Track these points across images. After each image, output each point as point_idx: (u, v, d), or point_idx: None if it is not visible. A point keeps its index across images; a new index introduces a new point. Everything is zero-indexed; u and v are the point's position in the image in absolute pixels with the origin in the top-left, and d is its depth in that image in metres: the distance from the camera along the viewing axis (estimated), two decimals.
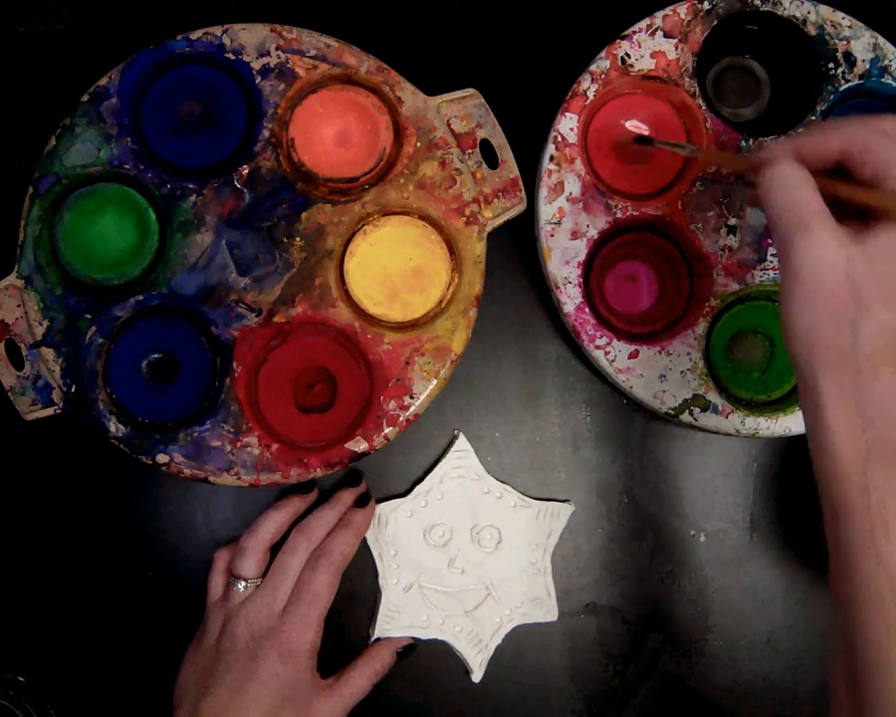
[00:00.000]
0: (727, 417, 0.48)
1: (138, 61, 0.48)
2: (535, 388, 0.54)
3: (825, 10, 0.49)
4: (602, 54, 0.49)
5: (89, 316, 0.47)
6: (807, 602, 0.54)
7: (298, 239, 0.48)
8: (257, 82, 0.49)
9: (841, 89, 0.49)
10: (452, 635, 0.51)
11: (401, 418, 0.48)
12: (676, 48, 0.49)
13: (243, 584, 0.48)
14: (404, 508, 0.52)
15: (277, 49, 0.49)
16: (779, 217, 0.35)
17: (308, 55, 0.49)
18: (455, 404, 0.53)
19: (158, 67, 0.49)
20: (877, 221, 0.34)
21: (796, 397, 0.49)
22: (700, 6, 0.49)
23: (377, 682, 0.49)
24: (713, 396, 0.48)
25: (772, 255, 0.49)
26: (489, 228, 0.49)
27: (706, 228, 0.49)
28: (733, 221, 0.49)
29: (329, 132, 0.49)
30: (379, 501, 0.52)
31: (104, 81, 0.48)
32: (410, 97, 0.49)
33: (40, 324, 0.47)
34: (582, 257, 0.49)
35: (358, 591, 0.52)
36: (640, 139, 0.49)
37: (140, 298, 0.48)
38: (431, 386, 0.48)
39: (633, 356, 0.49)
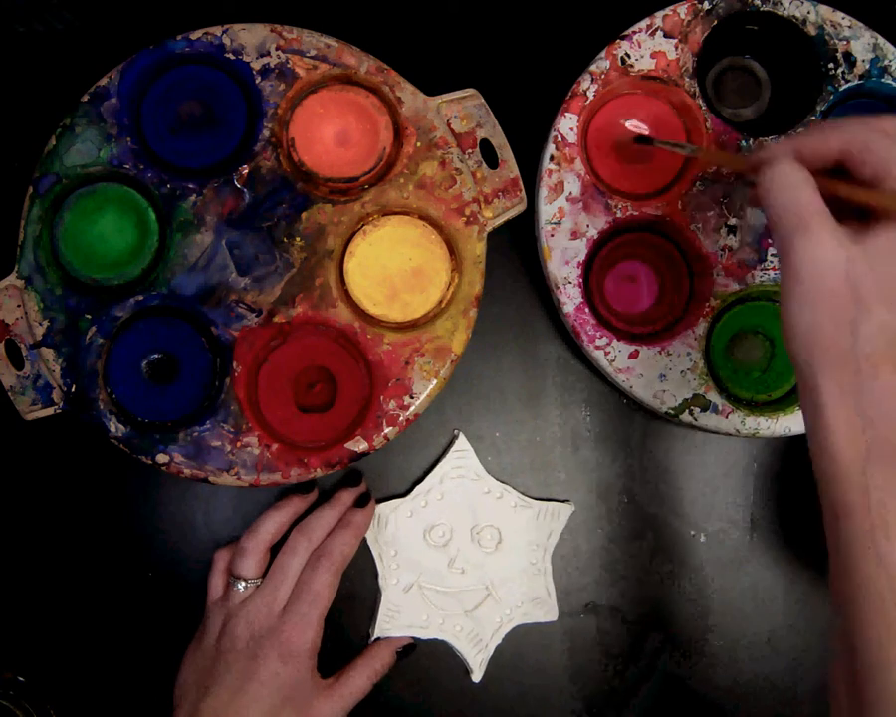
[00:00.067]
0: (727, 417, 0.48)
1: (138, 61, 0.48)
2: (535, 388, 0.54)
3: (825, 10, 0.49)
4: (602, 54, 0.49)
5: (89, 316, 0.47)
6: (807, 602, 0.54)
7: (298, 239, 0.48)
8: (257, 82, 0.49)
9: (841, 89, 0.49)
10: (452, 635, 0.51)
11: (401, 418, 0.48)
12: (676, 48, 0.49)
13: (243, 583, 0.48)
14: (404, 508, 0.52)
15: (277, 49, 0.49)
16: (779, 217, 0.35)
17: (308, 55, 0.49)
18: (455, 404, 0.53)
19: (158, 67, 0.49)
20: (877, 221, 0.34)
21: (796, 397, 0.49)
22: (700, 6, 0.49)
23: (377, 682, 0.49)
24: (713, 396, 0.48)
25: (772, 255, 0.49)
26: (489, 228, 0.49)
27: (706, 228, 0.49)
28: (733, 221, 0.49)
29: (329, 132, 0.49)
30: (379, 501, 0.52)
31: (104, 81, 0.48)
32: (410, 97, 0.49)
33: (40, 324, 0.47)
34: (582, 257, 0.49)
35: (358, 591, 0.52)
36: (640, 139, 0.49)
37: (140, 298, 0.48)
38: (431, 386, 0.48)
39: (633, 356, 0.49)
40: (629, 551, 0.54)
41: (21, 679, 0.51)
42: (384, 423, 0.48)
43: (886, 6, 0.54)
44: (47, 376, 0.47)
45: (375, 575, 0.52)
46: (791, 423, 0.48)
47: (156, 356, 0.48)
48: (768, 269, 0.49)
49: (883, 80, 0.49)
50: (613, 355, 0.48)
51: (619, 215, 0.49)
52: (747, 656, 0.54)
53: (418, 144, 0.49)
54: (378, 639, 0.51)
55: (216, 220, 0.48)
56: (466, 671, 0.52)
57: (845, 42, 0.49)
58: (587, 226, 0.49)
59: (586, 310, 0.49)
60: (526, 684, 0.53)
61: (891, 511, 0.33)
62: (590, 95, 0.49)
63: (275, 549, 0.49)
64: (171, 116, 0.48)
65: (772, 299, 0.49)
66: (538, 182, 0.49)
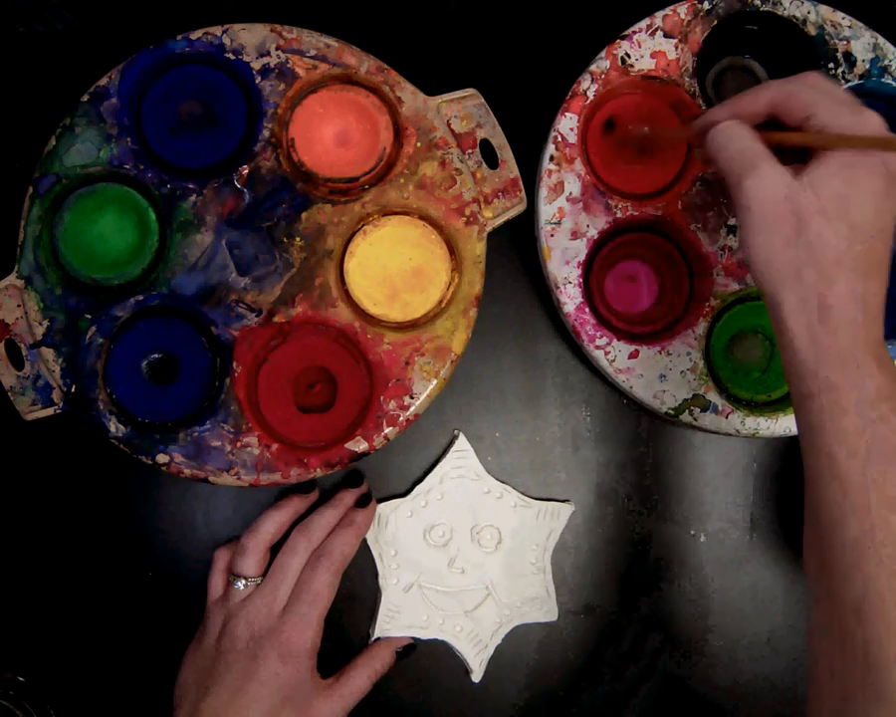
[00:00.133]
0: (727, 417, 0.48)
1: (138, 61, 0.48)
2: (535, 388, 0.54)
3: (825, 10, 0.49)
4: (602, 54, 0.49)
5: (89, 316, 0.47)
6: (807, 603, 0.54)
7: (298, 239, 0.48)
8: (257, 82, 0.49)
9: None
10: (452, 635, 0.51)
11: (401, 418, 0.48)
12: (676, 48, 0.49)
13: (243, 582, 0.48)
14: (404, 508, 0.52)
15: (277, 49, 0.49)
16: (729, 165, 0.39)
17: (308, 55, 0.49)
18: (455, 404, 0.53)
19: (158, 67, 0.49)
20: (812, 158, 0.38)
21: None
22: (700, 6, 0.49)
23: (377, 682, 0.49)
24: (713, 396, 0.48)
25: None
26: (489, 228, 0.49)
27: (706, 228, 0.49)
28: (733, 221, 0.49)
29: (329, 132, 0.49)
30: (379, 501, 0.52)
31: (104, 81, 0.48)
32: (410, 97, 0.49)
33: (40, 324, 0.47)
34: (582, 257, 0.49)
35: (358, 591, 0.52)
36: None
37: (140, 298, 0.48)
38: (431, 386, 0.48)
39: (633, 356, 0.49)
40: (629, 551, 0.54)
41: (21, 679, 0.51)
42: (384, 423, 0.48)
43: (886, 6, 0.54)
44: (47, 376, 0.47)
45: (375, 575, 0.52)
46: (792, 423, 0.48)
47: (156, 356, 0.48)
48: None
49: (883, 80, 0.49)
50: (613, 355, 0.48)
51: (619, 215, 0.49)
52: (747, 656, 0.54)
53: (418, 144, 0.49)
54: (378, 639, 0.51)
55: (216, 220, 0.48)
56: (466, 671, 0.52)
57: (845, 42, 0.49)
58: (587, 226, 0.49)
59: (586, 310, 0.49)
60: (526, 684, 0.53)
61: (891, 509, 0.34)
62: (590, 95, 0.49)
63: (275, 549, 0.49)
64: (171, 116, 0.48)
65: None
66: (538, 182, 0.49)
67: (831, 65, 0.49)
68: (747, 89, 0.42)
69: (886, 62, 0.49)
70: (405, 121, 0.49)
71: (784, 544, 0.54)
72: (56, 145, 0.48)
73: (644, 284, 0.52)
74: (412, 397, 0.48)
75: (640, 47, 0.49)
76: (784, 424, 0.49)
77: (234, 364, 0.47)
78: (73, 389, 0.47)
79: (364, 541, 0.51)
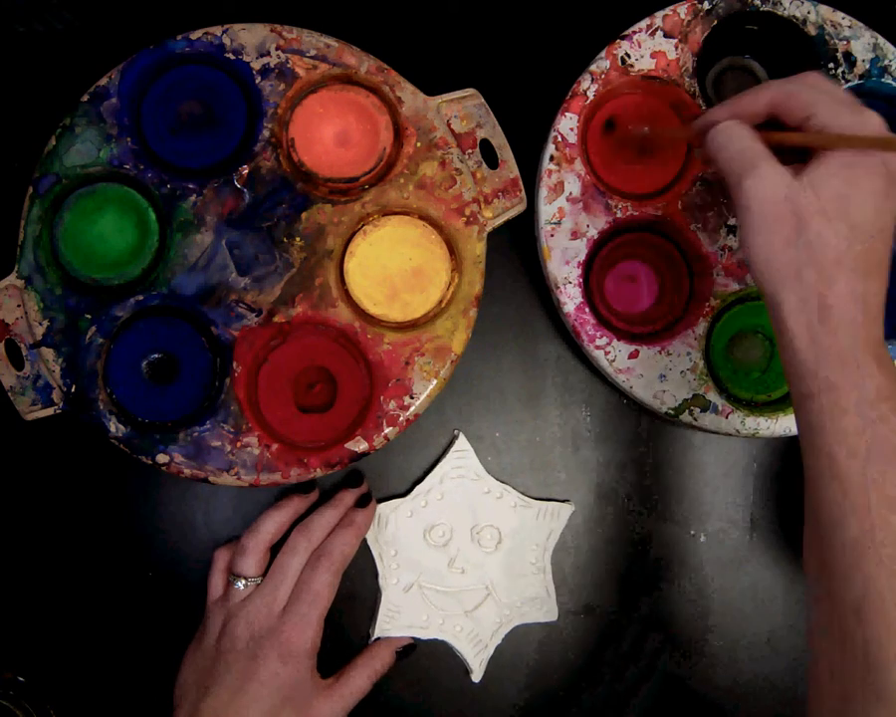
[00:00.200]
0: (727, 417, 0.48)
1: (138, 61, 0.48)
2: (535, 388, 0.54)
3: (825, 10, 0.49)
4: (602, 54, 0.49)
5: (89, 316, 0.47)
6: (807, 602, 0.54)
7: (298, 239, 0.48)
8: (257, 82, 0.49)
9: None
10: (452, 635, 0.51)
11: (401, 418, 0.48)
12: (676, 48, 0.49)
13: (243, 582, 0.48)
14: (404, 508, 0.52)
15: (277, 49, 0.49)
16: (730, 164, 0.39)
17: (308, 55, 0.49)
18: (455, 404, 0.53)
19: (158, 67, 0.49)
20: (812, 158, 0.39)
21: None
22: (700, 6, 0.49)
23: (377, 682, 0.49)
24: (713, 396, 0.48)
25: None
26: (489, 228, 0.49)
27: (706, 228, 0.49)
28: (733, 221, 0.49)
29: (329, 132, 0.49)
30: (379, 501, 0.52)
31: (104, 81, 0.48)
32: (410, 97, 0.49)
33: (40, 324, 0.47)
34: (582, 257, 0.49)
35: (358, 591, 0.52)
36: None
37: (140, 298, 0.48)
38: (431, 386, 0.48)
39: (633, 356, 0.49)
40: (629, 551, 0.54)
41: (21, 679, 0.51)
42: (384, 423, 0.48)
43: (886, 6, 0.54)
44: (47, 376, 0.47)
45: (375, 575, 0.52)
46: (792, 423, 0.48)
47: (156, 356, 0.48)
48: None
49: (883, 80, 0.49)
50: (613, 355, 0.48)
51: (619, 215, 0.49)
52: (747, 656, 0.54)
53: (418, 144, 0.49)
54: (378, 639, 0.51)
55: (216, 220, 0.48)
56: (466, 671, 0.52)
57: (845, 42, 0.49)
58: (587, 226, 0.49)
59: (586, 310, 0.49)
60: (526, 684, 0.53)
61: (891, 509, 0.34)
62: (590, 95, 0.49)
63: (275, 549, 0.49)
64: (171, 116, 0.48)
65: None
66: (538, 182, 0.49)
67: (831, 65, 0.49)
68: (747, 89, 0.42)
69: (886, 62, 0.49)
70: (405, 121, 0.49)
71: (784, 544, 0.54)
72: (56, 145, 0.48)
73: (644, 284, 0.52)
74: (412, 397, 0.48)
75: (640, 47, 0.49)
76: (784, 424, 0.49)
77: (234, 364, 0.47)
78: (73, 389, 0.47)
79: (364, 541, 0.51)
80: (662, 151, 0.50)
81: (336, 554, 0.48)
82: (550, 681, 0.53)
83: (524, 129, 0.51)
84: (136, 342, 0.47)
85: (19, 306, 0.47)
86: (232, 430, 0.47)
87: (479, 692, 0.52)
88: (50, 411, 0.47)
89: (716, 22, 0.49)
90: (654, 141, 0.49)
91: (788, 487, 0.54)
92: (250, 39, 0.49)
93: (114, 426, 0.47)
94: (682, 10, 0.49)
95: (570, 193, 0.49)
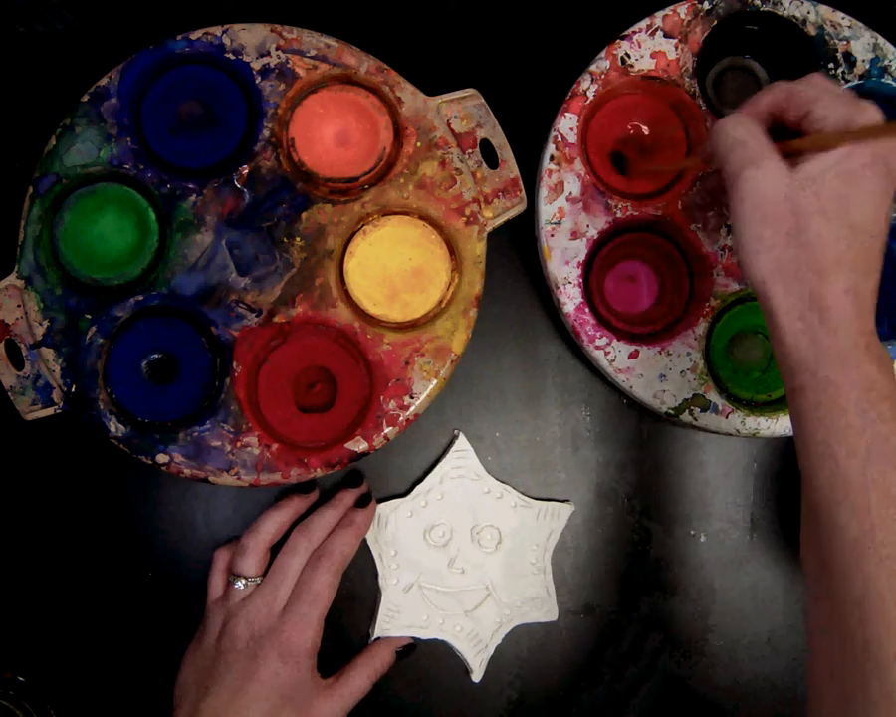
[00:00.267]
0: (727, 417, 0.48)
1: (138, 61, 0.48)
2: (535, 388, 0.54)
3: (825, 10, 0.49)
4: (602, 54, 0.49)
5: (89, 316, 0.47)
6: (807, 602, 0.54)
7: (298, 239, 0.48)
8: (257, 82, 0.49)
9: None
10: (452, 635, 0.51)
11: (401, 418, 0.48)
12: (676, 48, 0.49)
13: (243, 582, 0.48)
14: (404, 508, 0.52)
15: (277, 49, 0.49)
16: (731, 152, 0.39)
17: (308, 55, 0.49)
18: (455, 404, 0.53)
19: (158, 67, 0.49)
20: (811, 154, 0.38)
21: None
22: (700, 6, 0.49)
23: (377, 682, 0.49)
24: (713, 396, 0.48)
25: None
26: (489, 228, 0.49)
27: (706, 228, 0.49)
28: None
29: (329, 132, 0.49)
30: (379, 501, 0.52)
31: (104, 81, 0.48)
32: (410, 97, 0.49)
33: (40, 324, 0.47)
34: (582, 257, 0.49)
35: (358, 591, 0.52)
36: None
37: (140, 298, 0.48)
38: (431, 386, 0.48)
39: (633, 356, 0.49)
40: (629, 551, 0.54)
41: (21, 679, 0.51)
42: (384, 423, 0.48)
43: (886, 6, 0.54)
44: (47, 376, 0.47)
45: (375, 575, 0.52)
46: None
47: (156, 356, 0.48)
48: None
49: (883, 80, 0.49)
50: (613, 355, 0.48)
51: (619, 215, 0.49)
52: (747, 656, 0.54)
53: (418, 144, 0.49)
54: (378, 639, 0.51)
55: (216, 220, 0.48)
56: (466, 671, 0.52)
57: (845, 42, 0.49)
58: (587, 226, 0.49)
59: (586, 310, 0.49)
60: (526, 684, 0.53)
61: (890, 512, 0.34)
62: (590, 95, 0.49)
63: (275, 549, 0.49)
64: (171, 116, 0.48)
65: None
66: (538, 182, 0.49)
67: (831, 65, 0.49)
68: (747, 88, 0.42)
69: (886, 62, 0.49)
70: (405, 121, 0.49)
71: (784, 544, 0.54)
72: (56, 145, 0.48)
73: (644, 284, 0.52)
74: (412, 397, 0.48)
75: (640, 47, 0.49)
76: (785, 424, 0.49)
77: (234, 364, 0.47)
78: (73, 389, 0.47)
79: (364, 541, 0.51)
80: (662, 152, 0.50)
81: (336, 554, 0.48)
82: (550, 681, 0.53)
83: (524, 129, 0.51)
84: (136, 342, 0.47)
85: (19, 306, 0.47)
86: (232, 430, 0.47)
87: (479, 692, 0.52)
88: (50, 411, 0.47)
89: (716, 22, 0.49)
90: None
91: (788, 487, 0.54)
92: (250, 39, 0.49)
93: (114, 426, 0.47)
94: (682, 10, 0.49)
95: (570, 193, 0.49)
